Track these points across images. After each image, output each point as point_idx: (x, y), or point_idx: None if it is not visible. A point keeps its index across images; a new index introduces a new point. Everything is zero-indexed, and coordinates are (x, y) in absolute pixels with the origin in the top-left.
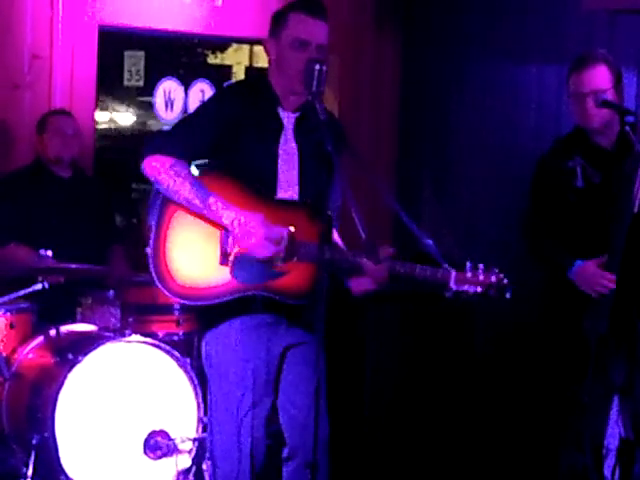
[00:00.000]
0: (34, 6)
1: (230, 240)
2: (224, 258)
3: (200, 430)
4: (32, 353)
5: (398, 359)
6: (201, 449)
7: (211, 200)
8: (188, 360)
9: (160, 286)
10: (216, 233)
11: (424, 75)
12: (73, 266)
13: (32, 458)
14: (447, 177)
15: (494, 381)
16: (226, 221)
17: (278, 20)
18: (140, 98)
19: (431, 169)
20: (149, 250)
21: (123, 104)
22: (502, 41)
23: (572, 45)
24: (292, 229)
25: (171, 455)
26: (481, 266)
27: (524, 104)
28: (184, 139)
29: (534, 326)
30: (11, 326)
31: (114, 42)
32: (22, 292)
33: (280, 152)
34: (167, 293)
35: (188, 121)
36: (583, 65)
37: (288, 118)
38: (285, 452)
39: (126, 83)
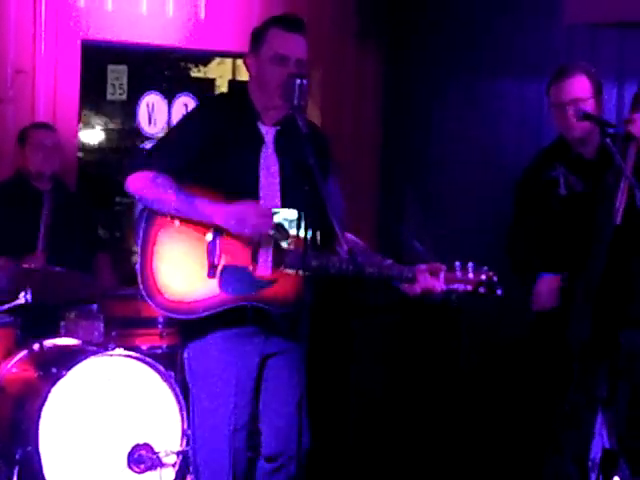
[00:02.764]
0: (17, 21)
1: (217, 251)
2: (211, 270)
3: (184, 443)
4: (15, 367)
5: (383, 369)
6: (185, 462)
7: (197, 202)
8: (172, 373)
9: (150, 302)
10: (202, 246)
11: (406, 88)
12: (53, 280)
13: (16, 472)
14: (429, 189)
15: (480, 391)
16: (217, 219)
17: (257, 36)
18: (123, 112)
19: (413, 181)
20: (138, 267)
21: (106, 118)
22: (484, 54)
23: (553, 58)
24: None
25: (155, 469)
26: (470, 264)
27: (506, 117)
28: (165, 153)
29: (519, 336)
30: None
31: (97, 56)
32: (5, 306)
33: (261, 165)
34: (157, 308)
35: (169, 136)
36: (563, 75)
37: (268, 132)
38: (264, 452)
39: (109, 97)
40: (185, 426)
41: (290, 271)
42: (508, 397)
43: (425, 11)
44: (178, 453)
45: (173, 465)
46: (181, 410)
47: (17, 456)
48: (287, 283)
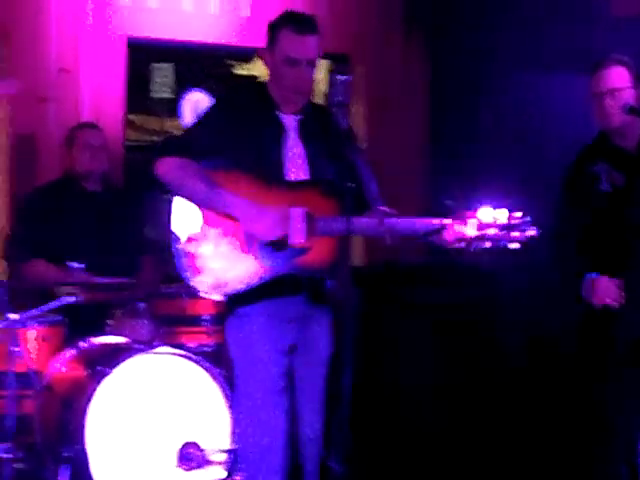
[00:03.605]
0: (60, 19)
1: None
2: (247, 246)
3: (233, 441)
4: (63, 366)
5: (430, 369)
6: (235, 460)
7: (218, 193)
8: (219, 370)
9: (191, 283)
10: (235, 223)
11: (452, 85)
12: (102, 279)
13: (63, 471)
14: (477, 187)
15: (527, 389)
16: (235, 212)
17: (271, 34)
18: (169, 110)
19: (461, 180)
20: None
21: (152, 116)
22: (531, 49)
23: (600, 52)
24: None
25: (204, 467)
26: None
27: (552, 114)
28: (191, 140)
29: (566, 337)
30: (43, 339)
31: (142, 54)
32: (53, 305)
33: (284, 151)
34: (199, 289)
35: (196, 124)
36: (600, 66)
37: (289, 120)
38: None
39: (155, 95)
40: (234, 423)
41: (322, 236)
42: (555, 397)
43: (471, 5)
44: (227, 451)
45: (222, 463)
46: (229, 408)
47: (65, 454)
48: (322, 249)
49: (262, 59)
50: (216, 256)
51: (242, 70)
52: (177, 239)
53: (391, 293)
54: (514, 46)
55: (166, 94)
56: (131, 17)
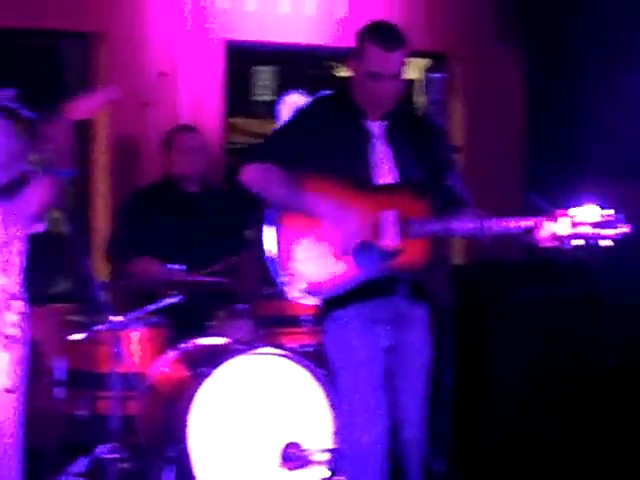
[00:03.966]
0: (159, 23)
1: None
2: (341, 249)
3: (335, 441)
4: (166, 367)
5: (524, 368)
6: (337, 460)
7: (305, 196)
8: (321, 371)
9: (288, 289)
10: (328, 227)
11: (550, 81)
12: (204, 280)
13: (168, 471)
14: (575, 186)
15: (624, 389)
16: (321, 214)
17: (358, 44)
18: (269, 112)
19: (559, 178)
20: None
21: (254, 119)
22: (629, 44)
23: None
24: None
25: (307, 466)
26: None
27: None
28: (274, 146)
29: None
30: (146, 340)
31: (242, 57)
32: (156, 306)
33: (371, 158)
34: (295, 294)
35: (279, 130)
36: None
37: (375, 127)
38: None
39: (256, 98)
40: (336, 423)
41: (416, 238)
42: None
43: (568, 5)
44: (330, 450)
45: (325, 462)
46: (331, 407)
47: (169, 454)
48: (414, 250)
49: (348, 65)
50: (309, 260)
51: (342, 71)
52: (270, 244)
53: (491, 291)
54: (612, 41)
55: (267, 96)
56: (229, 20)
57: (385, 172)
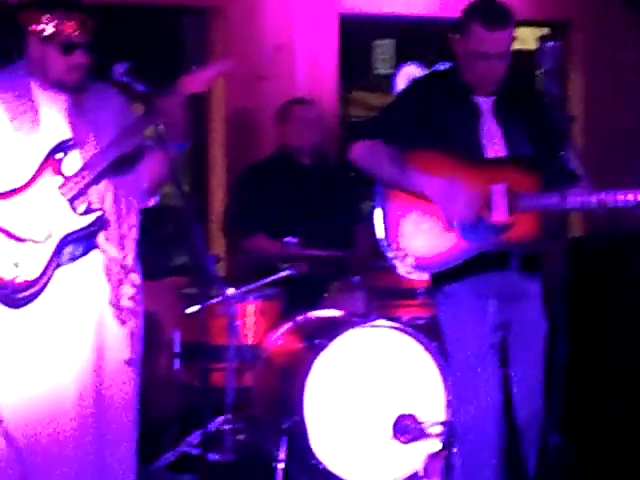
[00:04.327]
0: None
1: None
2: (449, 224)
3: (448, 414)
4: (281, 339)
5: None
6: (450, 432)
7: (410, 174)
8: (434, 344)
9: (398, 264)
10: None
11: None
12: (318, 253)
13: (283, 442)
14: None
15: None
16: (427, 191)
17: (463, 22)
18: (387, 85)
19: None
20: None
21: (373, 92)
22: None
23: None
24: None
25: (420, 439)
26: None
27: None
28: (383, 123)
29: None
30: (261, 313)
31: (361, 30)
32: (270, 279)
33: (482, 132)
34: (403, 271)
35: (391, 105)
36: None
37: (484, 102)
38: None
39: (376, 71)
40: (449, 396)
41: (526, 212)
42: None
43: None
44: (443, 423)
45: (438, 435)
46: (444, 380)
47: (284, 426)
48: (525, 224)
49: (452, 43)
50: (418, 235)
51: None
52: (379, 221)
53: (608, 264)
54: None
55: (386, 70)
56: None
57: (494, 147)
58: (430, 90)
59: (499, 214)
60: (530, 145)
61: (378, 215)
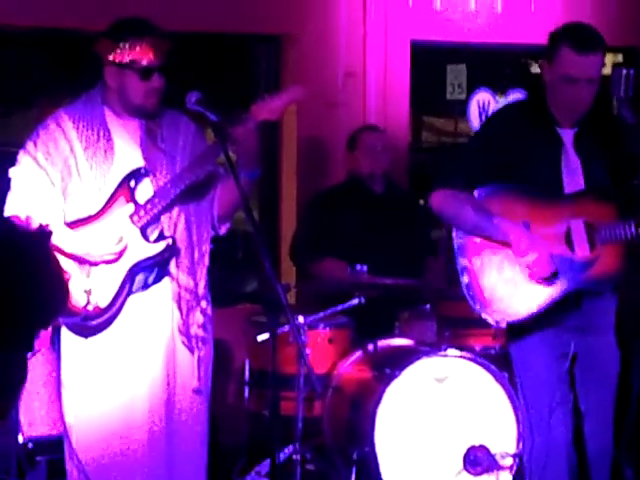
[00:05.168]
0: (348, 24)
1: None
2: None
3: (520, 445)
4: (351, 367)
5: None
6: (521, 464)
7: (495, 222)
8: (505, 374)
9: (485, 315)
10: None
11: None
12: (388, 281)
13: (353, 472)
14: None
15: None
16: (512, 240)
17: (551, 46)
18: (459, 111)
19: None
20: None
21: (445, 118)
22: None
23: None
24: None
25: (492, 471)
26: None
27: None
28: (463, 168)
29: None
30: (330, 341)
31: (434, 56)
32: (340, 307)
33: (563, 165)
34: (490, 320)
35: (466, 150)
36: None
37: (566, 134)
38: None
39: (449, 97)
40: (521, 428)
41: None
42: None
43: None
44: (514, 455)
45: (510, 468)
46: (516, 411)
47: (354, 456)
48: (606, 257)
49: (541, 68)
50: (502, 284)
51: (535, 68)
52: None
53: None
54: None
55: (459, 95)
56: (416, 19)
57: (574, 181)
58: (509, 124)
59: (581, 250)
60: (608, 174)
61: (461, 265)
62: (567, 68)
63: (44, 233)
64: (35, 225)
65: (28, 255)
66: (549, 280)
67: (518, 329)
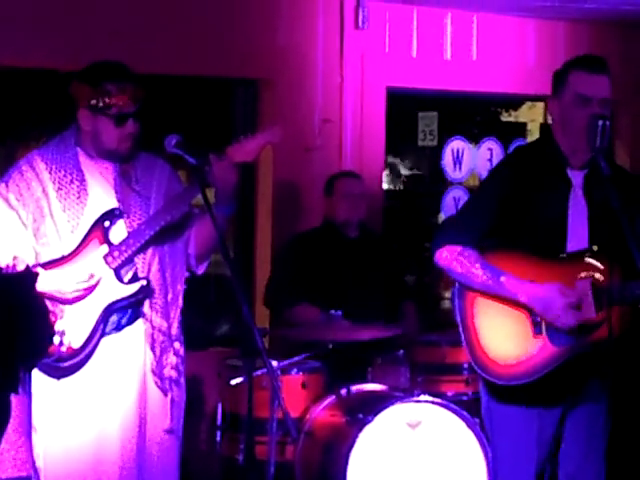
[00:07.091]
0: (325, 69)
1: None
2: (537, 328)
3: None
4: (324, 412)
5: None
6: None
7: (503, 279)
8: (477, 421)
9: (486, 377)
10: (518, 307)
11: None
12: (363, 334)
13: None
14: None
15: None
16: (523, 298)
17: (559, 79)
18: (429, 158)
19: None
20: (465, 344)
21: (412, 164)
22: None
23: None
24: (597, 276)
25: None
26: None
27: None
28: (469, 225)
29: None
30: (303, 386)
31: (406, 102)
32: (314, 352)
33: (569, 209)
34: (496, 381)
35: (471, 205)
36: None
37: (576, 176)
38: None
39: (420, 143)
40: (491, 475)
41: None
42: None
43: None
44: None
45: None
46: (486, 458)
47: None
48: (613, 319)
49: (548, 109)
50: (505, 342)
51: (509, 117)
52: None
53: None
54: None
55: (430, 142)
56: (392, 66)
57: (578, 234)
58: (517, 168)
59: (587, 312)
60: (614, 226)
61: (461, 322)
62: (579, 88)
63: (30, 275)
64: (21, 267)
65: (14, 297)
66: (554, 332)
67: (504, 393)
